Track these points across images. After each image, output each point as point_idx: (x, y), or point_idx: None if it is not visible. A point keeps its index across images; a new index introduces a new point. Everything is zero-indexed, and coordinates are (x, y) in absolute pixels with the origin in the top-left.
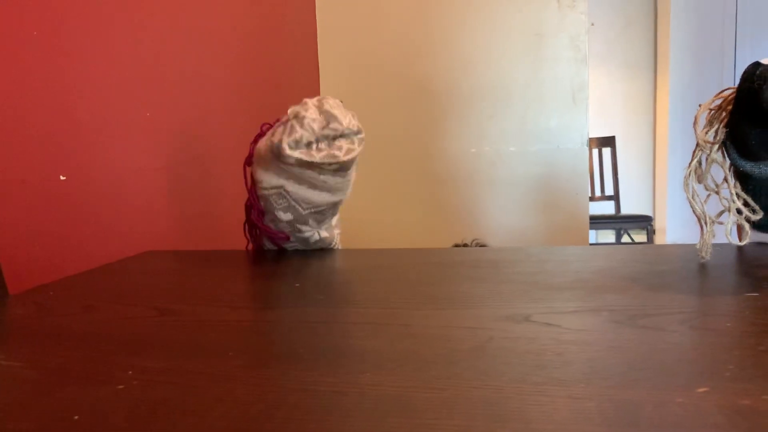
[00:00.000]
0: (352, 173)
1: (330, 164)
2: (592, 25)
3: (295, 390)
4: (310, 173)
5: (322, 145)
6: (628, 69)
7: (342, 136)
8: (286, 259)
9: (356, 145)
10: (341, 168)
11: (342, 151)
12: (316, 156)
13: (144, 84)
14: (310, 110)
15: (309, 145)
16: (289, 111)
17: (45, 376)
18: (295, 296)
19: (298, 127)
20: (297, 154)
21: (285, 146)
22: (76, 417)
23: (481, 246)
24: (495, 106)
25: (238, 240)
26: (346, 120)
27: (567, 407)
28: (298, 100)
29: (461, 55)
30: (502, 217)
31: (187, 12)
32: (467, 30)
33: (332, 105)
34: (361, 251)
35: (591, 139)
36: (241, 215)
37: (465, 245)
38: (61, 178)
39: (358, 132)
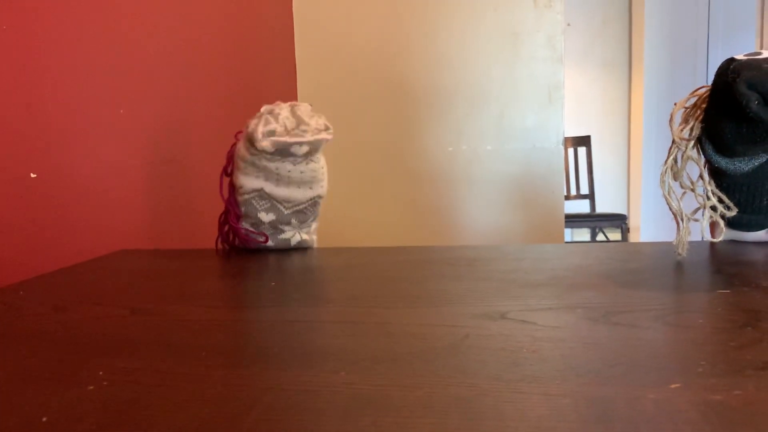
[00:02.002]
0: (322, 164)
1: (300, 145)
2: (568, 25)
3: (269, 389)
4: (284, 166)
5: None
6: (604, 69)
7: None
8: (263, 257)
9: (324, 134)
10: (310, 154)
11: (309, 133)
12: (287, 138)
13: (118, 81)
14: (283, 110)
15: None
16: (262, 109)
17: (12, 377)
18: (271, 295)
19: (272, 120)
20: (271, 139)
21: (259, 135)
22: (44, 419)
23: None
24: (472, 104)
25: (213, 238)
26: (314, 121)
27: (542, 404)
28: (275, 99)
29: (438, 53)
30: (479, 215)
31: (163, 9)
32: (444, 29)
33: (303, 111)
34: (338, 249)
35: (567, 138)
36: (217, 212)
37: None
38: (32, 175)
39: (326, 129)
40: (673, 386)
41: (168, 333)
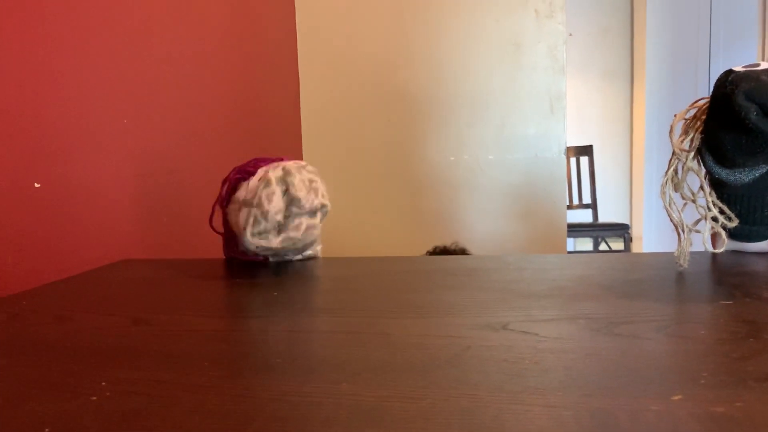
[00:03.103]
0: (317, 226)
1: (287, 248)
2: (570, 35)
3: (271, 400)
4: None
5: (282, 226)
6: (605, 79)
7: (305, 214)
8: (264, 267)
9: (317, 219)
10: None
11: (301, 229)
12: (275, 242)
13: (121, 91)
14: (274, 198)
15: (269, 231)
16: (251, 187)
17: (15, 387)
18: (273, 305)
19: (261, 220)
20: (257, 242)
21: (248, 236)
22: (46, 429)
23: (461, 249)
24: (473, 114)
25: (215, 249)
26: (309, 202)
27: (543, 416)
28: (277, 111)
29: (440, 63)
30: (481, 224)
31: (167, 20)
32: (446, 39)
33: (298, 186)
34: (340, 259)
35: (569, 148)
36: (219, 223)
37: (444, 248)
38: (36, 185)
39: (321, 207)
40: (674, 398)
41: (170, 343)
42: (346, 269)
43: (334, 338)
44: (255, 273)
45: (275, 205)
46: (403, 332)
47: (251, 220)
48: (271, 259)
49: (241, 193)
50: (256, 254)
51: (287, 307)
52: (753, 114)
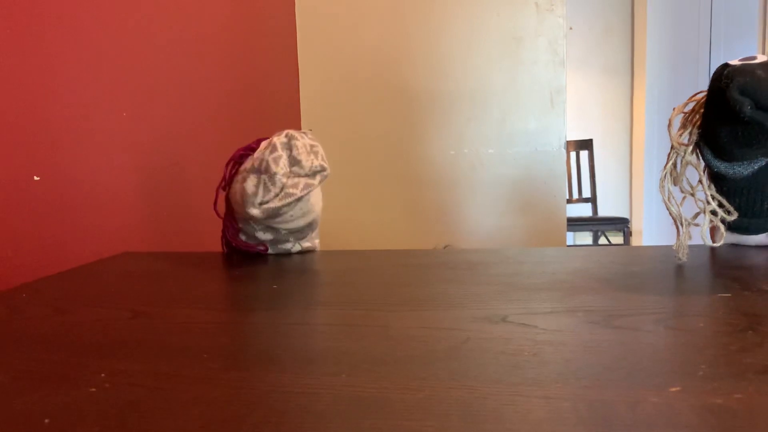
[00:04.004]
0: (314, 194)
1: (288, 204)
2: (571, 29)
3: (271, 392)
4: (276, 220)
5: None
6: (606, 73)
7: (305, 176)
8: (264, 261)
9: (316, 181)
10: (299, 199)
11: (299, 187)
12: (276, 202)
13: (121, 84)
14: (281, 161)
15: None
16: (257, 154)
17: (14, 380)
18: (272, 298)
19: (270, 186)
20: (263, 208)
21: (257, 202)
22: (46, 420)
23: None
24: (474, 108)
25: (215, 242)
26: (309, 163)
27: (542, 407)
28: (277, 105)
29: (440, 57)
30: (481, 218)
31: (167, 14)
32: (446, 33)
33: (300, 149)
34: (340, 253)
35: (569, 142)
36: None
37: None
38: (35, 178)
39: (321, 170)
40: (673, 389)
41: (169, 335)
42: (346, 262)
43: (333, 330)
44: (254, 266)
45: (281, 167)
46: (402, 325)
47: (261, 187)
48: (270, 251)
49: (248, 164)
50: (256, 239)
51: (287, 300)
52: (747, 108)
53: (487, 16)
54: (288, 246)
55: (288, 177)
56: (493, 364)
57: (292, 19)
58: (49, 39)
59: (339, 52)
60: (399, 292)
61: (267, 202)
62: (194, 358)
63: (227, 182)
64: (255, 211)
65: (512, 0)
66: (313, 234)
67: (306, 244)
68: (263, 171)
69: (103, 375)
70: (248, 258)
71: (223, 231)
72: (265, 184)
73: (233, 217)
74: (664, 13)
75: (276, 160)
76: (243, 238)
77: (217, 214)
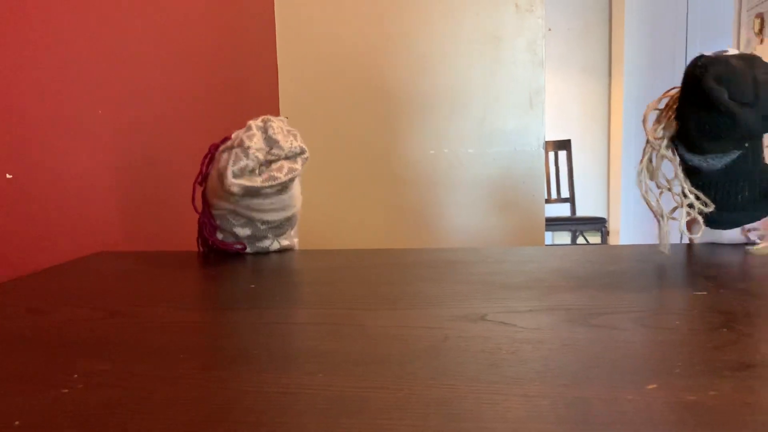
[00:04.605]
0: (296, 188)
1: (272, 186)
2: (549, 30)
3: (248, 392)
4: (256, 201)
5: (264, 168)
6: (584, 74)
7: (285, 158)
8: (242, 260)
9: (299, 164)
10: (284, 187)
11: (283, 171)
12: (258, 181)
13: (96, 81)
14: (254, 138)
15: (252, 171)
16: (233, 136)
17: None
18: (250, 297)
19: (242, 156)
20: (240, 181)
21: (229, 175)
22: (16, 422)
23: None
24: (453, 108)
25: (192, 241)
26: (288, 144)
27: (521, 406)
28: (256, 103)
29: (420, 57)
30: (461, 217)
31: (144, 9)
32: (426, 32)
33: (276, 129)
34: (319, 252)
35: (547, 142)
36: (197, 215)
37: None
38: (8, 176)
39: (301, 152)
40: (650, 387)
41: (145, 335)
42: (324, 262)
43: (311, 330)
44: (232, 265)
45: (256, 142)
46: (381, 324)
47: (232, 158)
48: (248, 249)
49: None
50: (234, 235)
51: (265, 299)
52: (723, 96)
53: (467, 16)
54: (266, 243)
55: (265, 155)
56: (472, 363)
57: (272, 17)
58: (23, 34)
59: (318, 51)
60: (378, 291)
61: (243, 170)
62: (171, 358)
63: (204, 177)
64: (232, 185)
65: (492, 0)
66: (292, 231)
67: (284, 242)
68: (236, 146)
69: (76, 376)
70: (226, 257)
71: (200, 229)
72: (237, 155)
73: (210, 213)
74: (641, 15)
75: (250, 137)
76: (220, 236)
77: (195, 209)
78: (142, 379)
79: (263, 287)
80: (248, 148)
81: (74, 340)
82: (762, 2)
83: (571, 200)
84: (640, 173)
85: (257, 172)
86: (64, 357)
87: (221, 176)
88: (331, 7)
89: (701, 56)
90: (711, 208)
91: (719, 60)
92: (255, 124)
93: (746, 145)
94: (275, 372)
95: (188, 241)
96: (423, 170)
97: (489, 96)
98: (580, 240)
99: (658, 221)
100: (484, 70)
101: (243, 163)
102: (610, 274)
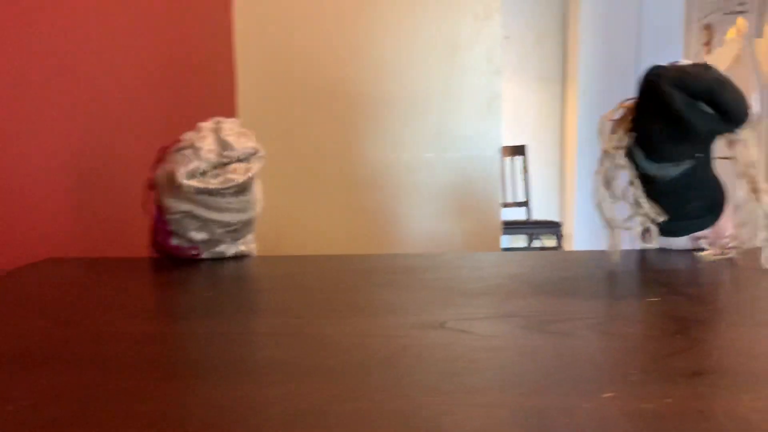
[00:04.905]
0: (257, 190)
1: (228, 188)
2: (507, 37)
3: (202, 405)
4: (213, 199)
5: (218, 171)
6: (539, 81)
7: (238, 160)
8: (197, 267)
9: (254, 164)
10: (242, 188)
11: (238, 173)
12: (213, 183)
13: (46, 82)
14: (206, 140)
15: (204, 173)
16: (184, 138)
17: None
18: (206, 306)
19: (193, 158)
20: (193, 182)
21: (181, 176)
22: None
23: None
24: (413, 113)
25: (147, 247)
26: (241, 146)
27: (479, 415)
28: (213, 104)
29: (380, 62)
30: (419, 222)
31: (95, 8)
32: (386, 37)
33: (228, 131)
34: (277, 258)
35: (504, 148)
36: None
37: None
38: None
39: (255, 153)
40: (606, 395)
41: (97, 346)
42: (282, 268)
43: (268, 340)
44: (187, 272)
45: (207, 144)
46: (339, 332)
47: (183, 160)
48: (204, 255)
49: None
50: (189, 240)
51: (221, 308)
52: (679, 99)
53: (427, 21)
54: (223, 248)
55: (217, 157)
56: (431, 372)
57: (230, 19)
58: None
59: (278, 53)
60: (337, 298)
61: (195, 172)
62: (124, 370)
63: (155, 181)
64: (186, 186)
65: (451, 8)
66: (250, 236)
67: (241, 247)
68: (187, 147)
69: (22, 392)
70: (180, 263)
71: (153, 235)
72: (187, 157)
73: (164, 218)
74: (594, 24)
75: (201, 139)
76: (175, 242)
77: (146, 213)
78: (94, 393)
79: (219, 295)
80: (199, 149)
81: (22, 352)
82: (709, 14)
83: (526, 204)
84: (596, 182)
85: (210, 174)
86: (10, 371)
87: (172, 178)
88: (290, 11)
89: (657, 66)
90: (663, 218)
91: (675, 67)
92: (206, 126)
93: (698, 155)
94: (231, 384)
95: (143, 247)
96: (382, 174)
97: (447, 102)
98: (536, 243)
99: (610, 231)
100: (442, 76)
101: (194, 164)
102: (566, 280)
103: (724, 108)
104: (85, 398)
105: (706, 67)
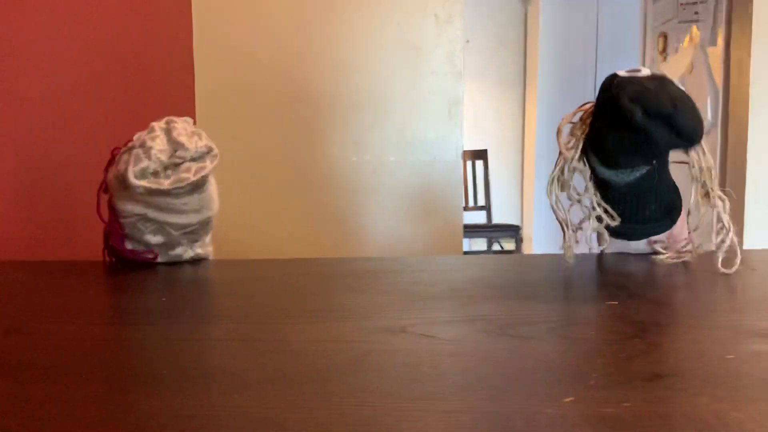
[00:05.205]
0: (211, 188)
1: (181, 188)
2: (468, 41)
3: (157, 415)
4: (166, 200)
5: (170, 172)
6: (500, 86)
7: (192, 160)
8: (152, 271)
9: (208, 162)
10: (196, 187)
11: (191, 171)
12: (165, 183)
13: None
14: (157, 139)
15: (156, 173)
16: (135, 138)
17: None
18: (161, 311)
19: (143, 157)
20: (144, 183)
21: (130, 176)
22: None
23: None
24: (376, 115)
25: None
26: (193, 145)
27: (441, 422)
28: (171, 105)
29: (342, 63)
30: (382, 225)
31: (47, 3)
32: (348, 39)
33: (180, 131)
34: (236, 262)
35: (465, 152)
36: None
37: None
38: None
39: (208, 152)
40: (567, 400)
41: (45, 354)
42: (241, 272)
43: (226, 346)
44: (142, 276)
45: (158, 143)
46: (301, 338)
47: (133, 159)
48: (160, 258)
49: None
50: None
51: (176, 314)
52: (638, 115)
53: (388, 24)
54: (179, 251)
55: (169, 157)
56: (393, 378)
57: (188, 17)
58: None
59: (236, 55)
60: (297, 303)
61: (145, 171)
62: (72, 379)
63: (107, 183)
64: (136, 186)
65: (412, 10)
66: (207, 238)
67: (198, 250)
68: (138, 146)
69: None
70: (135, 267)
71: (106, 238)
72: (137, 156)
73: (118, 222)
74: (554, 31)
75: (152, 138)
76: (130, 246)
77: (101, 218)
78: (41, 403)
79: (175, 300)
80: (150, 149)
81: None
82: (665, 22)
83: (487, 208)
84: (550, 184)
85: (162, 175)
86: None
87: (122, 179)
88: (251, 10)
89: (615, 75)
90: (617, 221)
91: (633, 81)
92: (158, 125)
93: (654, 162)
94: (186, 393)
95: (95, 250)
96: (344, 177)
97: (410, 105)
98: (496, 247)
99: (564, 232)
100: (404, 79)
101: (144, 164)
102: (526, 284)
103: (679, 131)
104: (30, 409)
105: (663, 83)
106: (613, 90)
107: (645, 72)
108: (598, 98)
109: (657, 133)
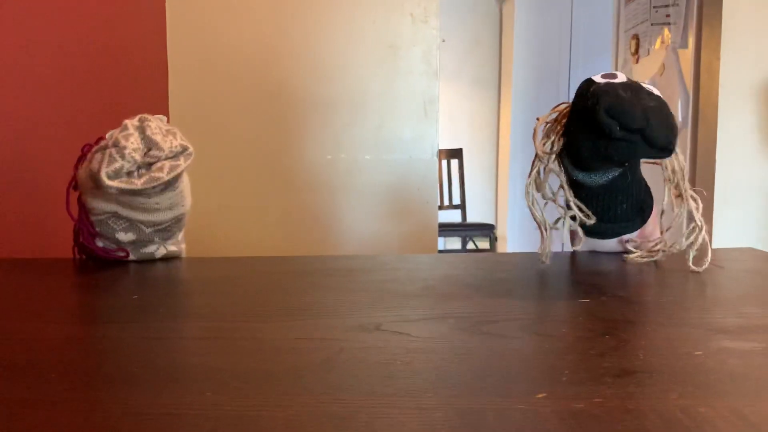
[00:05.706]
0: (184, 184)
1: (154, 187)
2: (443, 41)
3: (128, 415)
4: (138, 199)
5: (143, 170)
6: (475, 85)
7: (166, 158)
8: (124, 268)
9: (182, 161)
10: (168, 185)
11: (164, 170)
12: (138, 183)
13: None
14: (131, 138)
15: (130, 173)
16: (107, 136)
17: None
18: (132, 310)
19: (117, 157)
20: (116, 183)
21: (103, 176)
22: None
23: None
24: (351, 114)
25: (69, 247)
26: (168, 145)
27: (415, 418)
28: (144, 102)
29: (317, 61)
30: (357, 223)
31: (19, 2)
32: (323, 37)
33: (154, 129)
34: (209, 260)
35: (440, 151)
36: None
37: None
38: None
39: (183, 150)
40: (539, 396)
41: (12, 354)
42: (214, 270)
43: (199, 345)
44: (113, 274)
45: (132, 143)
46: (274, 336)
47: (106, 158)
48: (132, 256)
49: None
50: (116, 241)
51: (148, 312)
52: (615, 129)
53: (364, 23)
54: (152, 249)
55: (143, 156)
56: (366, 375)
57: (162, 14)
58: None
59: (212, 51)
60: (272, 300)
61: (117, 173)
62: (41, 378)
63: (77, 180)
64: (108, 187)
65: (388, 9)
66: (180, 236)
67: (171, 248)
68: (111, 146)
69: None
70: (106, 265)
71: (75, 235)
72: (111, 156)
73: (88, 219)
74: (528, 32)
75: (126, 137)
76: (101, 244)
77: (71, 216)
78: (7, 404)
79: (147, 298)
80: (124, 148)
81: None
82: (637, 25)
83: (462, 207)
84: (528, 185)
85: (136, 174)
86: None
87: (94, 178)
88: (225, 6)
89: (592, 82)
90: (592, 220)
91: (609, 92)
92: (131, 123)
93: (626, 164)
94: (157, 392)
95: (64, 247)
96: (320, 175)
97: (386, 103)
98: (470, 245)
99: (542, 233)
100: (380, 77)
101: (118, 164)
102: (499, 282)
103: (652, 143)
104: None
105: (638, 93)
106: (589, 100)
107: (621, 78)
108: (575, 103)
109: (632, 145)
